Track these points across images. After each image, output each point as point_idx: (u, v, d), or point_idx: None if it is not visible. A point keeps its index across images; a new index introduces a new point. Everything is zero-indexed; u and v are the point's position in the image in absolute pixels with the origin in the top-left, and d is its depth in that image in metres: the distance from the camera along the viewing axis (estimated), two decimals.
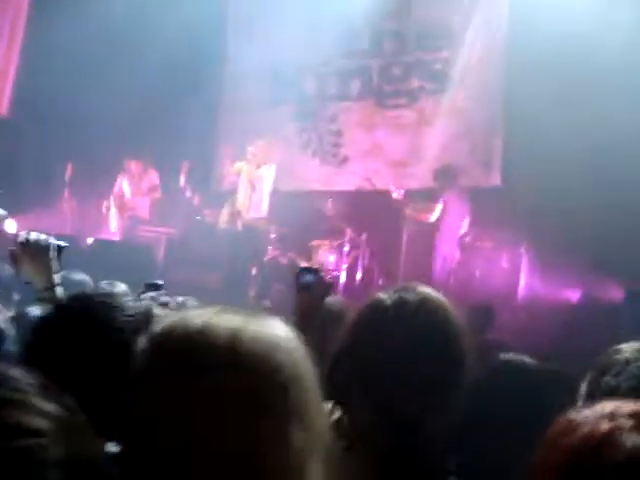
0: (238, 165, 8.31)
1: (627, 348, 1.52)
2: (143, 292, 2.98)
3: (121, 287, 3.87)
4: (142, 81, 9.17)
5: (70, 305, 1.85)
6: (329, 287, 2.53)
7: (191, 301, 3.27)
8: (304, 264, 2.54)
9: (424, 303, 1.68)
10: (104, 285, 3.87)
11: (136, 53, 9.27)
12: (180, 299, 3.25)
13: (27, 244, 2.47)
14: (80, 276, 3.87)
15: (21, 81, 9.60)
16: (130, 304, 1.80)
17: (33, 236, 2.50)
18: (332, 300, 3.24)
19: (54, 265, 2.48)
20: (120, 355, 1.63)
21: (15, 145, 9.42)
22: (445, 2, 9.09)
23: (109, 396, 1.47)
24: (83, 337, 1.69)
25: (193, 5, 9.24)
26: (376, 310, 1.70)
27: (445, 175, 7.97)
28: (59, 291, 2.43)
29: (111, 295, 1.85)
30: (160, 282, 3.01)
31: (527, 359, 2.05)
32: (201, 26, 9.35)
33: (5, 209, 8.08)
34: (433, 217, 7.83)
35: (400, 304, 1.68)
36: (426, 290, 1.74)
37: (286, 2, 9.62)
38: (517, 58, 8.24)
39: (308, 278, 2.45)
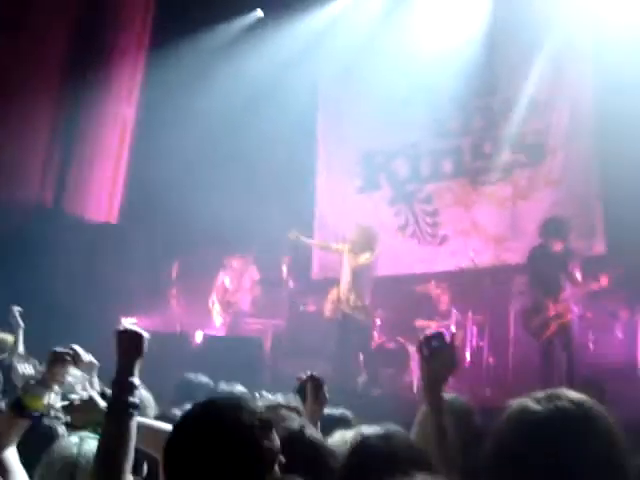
0: (339, 246, 8.37)
1: None
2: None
3: (238, 387, 3.98)
4: (238, 179, 9.52)
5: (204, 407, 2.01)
6: (456, 351, 2.42)
7: None
8: (429, 332, 2.41)
9: (584, 413, 1.61)
10: (223, 386, 3.99)
11: (231, 151, 9.68)
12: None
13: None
14: (203, 379, 4.00)
15: (128, 188, 10.12)
16: (253, 405, 1.98)
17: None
18: (454, 399, 3.20)
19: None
20: (249, 450, 1.85)
21: (124, 249, 9.86)
22: (529, 73, 9.09)
23: None
24: (216, 435, 1.86)
25: (286, 98, 9.54)
26: (529, 422, 1.63)
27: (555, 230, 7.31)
28: None
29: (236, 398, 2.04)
30: None
31: None
32: (294, 117, 9.63)
33: (118, 310, 8.44)
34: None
35: (556, 414, 1.61)
36: (578, 397, 1.67)
37: (374, 84, 9.86)
38: (608, 119, 8.13)
39: (436, 343, 2.34)
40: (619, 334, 7.50)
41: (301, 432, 2.34)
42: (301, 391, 3.02)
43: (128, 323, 2.34)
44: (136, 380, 2.21)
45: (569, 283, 7.03)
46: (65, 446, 2.40)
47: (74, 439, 2.43)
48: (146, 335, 2.29)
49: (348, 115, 10.33)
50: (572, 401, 1.63)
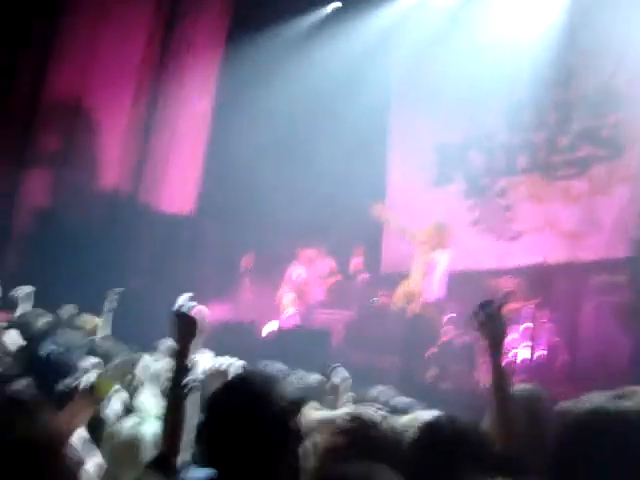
0: (416, 234, 8.37)
1: None
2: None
3: (315, 376, 4.03)
4: (311, 171, 9.57)
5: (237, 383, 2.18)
6: (503, 319, 2.62)
7: (389, 392, 3.35)
8: (481, 302, 2.65)
9: None
10: (301, 374, 4.05)
11: (305, 144, 9.74)
12: (381, 388, 3.36)
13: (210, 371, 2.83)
14: (279, 366, 4.07)
15: (204, 181, 10.28)
16: (287, 388, 2.09)
17: (215, 364, 2.87)
18: (527, 387, 3.18)
19: None
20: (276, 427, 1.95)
21: (198, 240, 10.04)
22: (608, 66, 8.88)
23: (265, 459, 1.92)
24: (245, 408, 1.98)
25: (359, 91, 9.56)
26: (596, 420, 1.60)
27: None
28: None
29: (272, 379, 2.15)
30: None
31: None
32: (367, 111, 9.63)
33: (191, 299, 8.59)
34: None
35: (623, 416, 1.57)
36: None
37: (448, 77, 9.79)
38: None
39: (489, 309, 2.59)
40: None
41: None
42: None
43: (183, 299, 2.41)
44: (189, 362, 2.36)
45: None
46: (126, 427, 2.66)
47: (133, 420, 2.70)
48: (199, 318, 2.43)
49: (422, 108, 10.27)
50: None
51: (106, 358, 3.30)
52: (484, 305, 2.58)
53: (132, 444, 2.55)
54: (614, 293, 7.63)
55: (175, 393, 2.31)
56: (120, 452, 2.56)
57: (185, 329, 2.39)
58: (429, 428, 2.33)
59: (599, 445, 1.53)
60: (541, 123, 9.50)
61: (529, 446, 2.32)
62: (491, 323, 2.54)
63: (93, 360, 3.21)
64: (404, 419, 2.66)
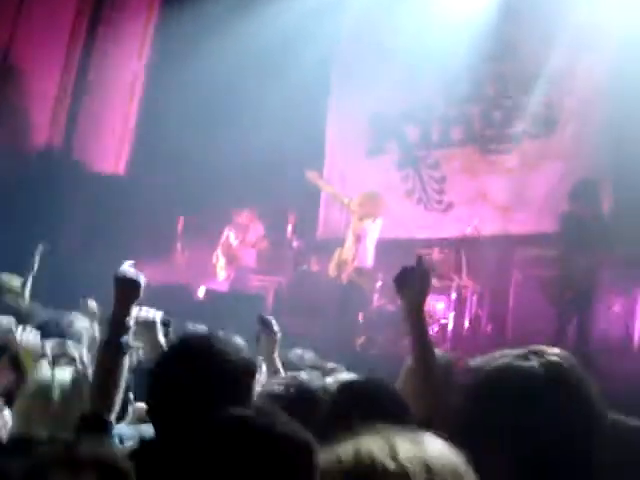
0: (348, 201, 8.43)
1: None
2: None
3: (237, 339, 4.06)
4: (249, 135, 9.50)
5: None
6: (424, 273, 2.51)
7: (309, 354, 3.40)
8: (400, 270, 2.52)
9: (552, 373, 1.60)
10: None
11: (242, 108, 9.64)
12: (299, 351, 3.41)
13: (137, 321, 2.81)
14: (201, 328, 4.10)
15: (136, 141, 10.14)
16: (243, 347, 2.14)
17: (142, 314, 2.86)
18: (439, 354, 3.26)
19: (160, 339, 2.97)
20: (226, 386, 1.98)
21: (130, 201, 9.91)
22: (547, 43, 8.98)
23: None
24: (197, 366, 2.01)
25: (298, 57, 9.47)
26: (499, 380, 1.63)
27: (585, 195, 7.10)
28: None
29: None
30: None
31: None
32: (313, 70, 9.58)
33: (122, 258, 8.49)
34: None
35: (528, 374, 1.60)
36: (554, 356, 1.64)
37: (386, 50, 9.79)
38: (628, 96, 7.92)
39: (406, 274, 2.47)
40: (617, 308, 7.51)
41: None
42: (258, 337, 3.38)
43: (127, 265, 2.42)
44: (131, 322, 2.36)
45: (602, 249, 6.79)
46: (38, 374, 2.56)
47: (46, 367, 2.58)
48: (143, 281, 2.41)
49: (360, 78, 10.24)
50: (544, 360, 1.62)
51: (19, 317, 3.26)
52: (404, 270, 2.48)
53: (45, 390, 2.45)
54: (542, 267, 7.81)
55: (114, 350, 2.29)
56: (31, 400, 2.47)
57: (129, 290, 2.38)
58: (344, 388, 2.41)
59: (506, 399, 1.58)
60: (477, 96, 9.56)
61: (442, 411, 2.37)
62: (410, 287, 2.44)
63: (7, 319, 3.15)
64: (327, 381, 2.72)
